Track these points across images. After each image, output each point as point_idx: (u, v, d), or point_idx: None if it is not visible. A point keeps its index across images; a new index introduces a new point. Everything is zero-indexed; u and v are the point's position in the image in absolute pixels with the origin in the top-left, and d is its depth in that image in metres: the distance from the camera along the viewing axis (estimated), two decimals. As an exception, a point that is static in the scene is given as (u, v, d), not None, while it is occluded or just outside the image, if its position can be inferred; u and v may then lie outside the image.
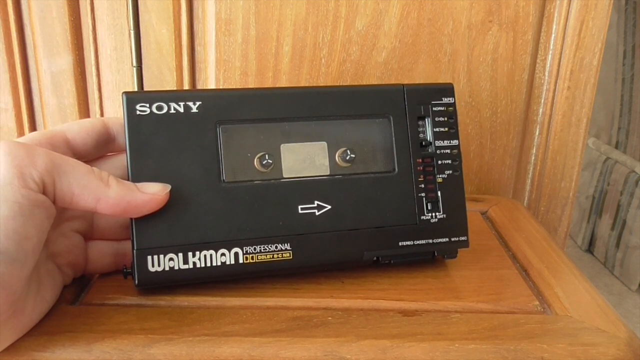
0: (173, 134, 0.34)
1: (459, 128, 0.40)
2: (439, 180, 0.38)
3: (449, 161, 0.39)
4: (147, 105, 0.34)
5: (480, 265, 0.40)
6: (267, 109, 0.36)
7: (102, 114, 0.55)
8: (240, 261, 0.35)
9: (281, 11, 0.52)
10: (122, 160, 0.36)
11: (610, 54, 1.42)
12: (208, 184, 0.34)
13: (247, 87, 0.54)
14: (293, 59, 0.53)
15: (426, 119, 0.39)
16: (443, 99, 0.39)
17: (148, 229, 0.33)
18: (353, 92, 0.38)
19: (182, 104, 0.35)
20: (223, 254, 0.34)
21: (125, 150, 0.34)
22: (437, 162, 0.38)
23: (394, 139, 0.38)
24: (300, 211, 0.36)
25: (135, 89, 0.54)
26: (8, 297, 0.27)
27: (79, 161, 0.31)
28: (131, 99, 0.34)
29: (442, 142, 0.39)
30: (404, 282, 0.37)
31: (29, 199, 0.28)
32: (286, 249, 0.35)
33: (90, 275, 0.37)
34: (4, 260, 0.27)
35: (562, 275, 0.38)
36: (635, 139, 1.40)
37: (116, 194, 0.31)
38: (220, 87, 0.54)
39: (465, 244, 0.39)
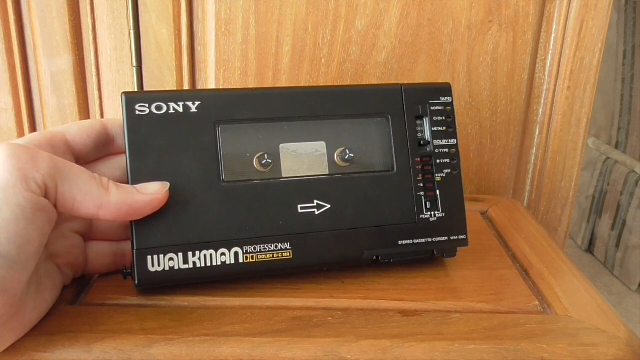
0: (172, 134, 0.34)
1: (459, 128, 0.40)
2: (438, 179, 0.38)
3: (448, 160, 0.39)
4: (147, 105, 0.34)
5: (480, 265, 0.40)
6: (266, 109, 0.36)
7: (102, 114, 0.55)
8: (240, 261, 0.35)
9: (281, 11, 0.52)
10: (121, 162, 0.36)
11: (610, 54, 1.42)
12: (208, 183, 0.34)
13: (246, 87, 0.54)
14: (293, 59, 0.53)
15: (424, 119, 0.39)
16: (441, 98, 0.39)
17: (148, 229, 0.33)
18: (352, 92, 0.38)
19: (181, 104, 0.35)
20: (223, 254, 0.34)
21: (125, 151, 0.34)
22: (435, 161, 0.38)
23: (392, 138, 0.38)
24: (299, 210, 0.36)
25: (135, 89, 0.54)
26: (8, 300, 0.27)
27: (81, 167, 0.31)
28: (130, 99, 0.34)
29: (440, 141, 0.39)
30: (404, 282, 0.37)
31: (31, 203, 0.28)
32: (286, 249, 0.35)
33: (90, 275, 0.37)
34: (5, 264, 0.26)
35: (562, 275, 0.38)
36: (635, 139, 1.40)
37: (117, 199, 0.31)
38: (220, 87, 0.54)
39: (464, 242, 0.39)
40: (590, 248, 1.54)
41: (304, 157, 0.37)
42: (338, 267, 0.38)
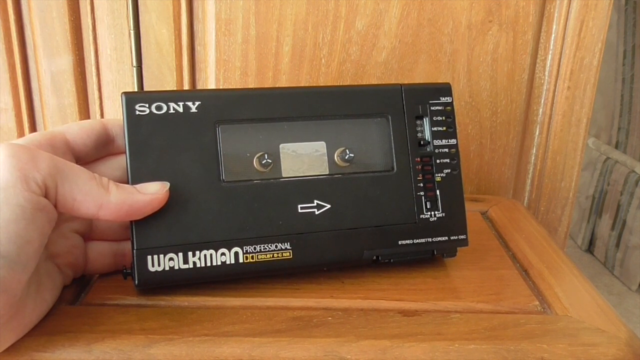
0: (172, 134, 0.34)
1: (459, 128, 0.40)
2: (438, 179, 0.38)
3: (447, 160, 0.39)
4: (147, 105, 0.34)
5: (480, 265, 0.40)
6: (266, 108, 0.36)
7: (102, 114, 0.55)
8: (240, 261, 0.35)
9: (281, 11, 0.52)
10: (121, 162, 0.36)
11: (610, 54, 1.42)
12: (208, 183, 0.34)
13: (246, 87, 0.54)
14: (293, 59, 0.53)
15: (424, 119, 0.39)
16: (441, 98, 0.39)
17: (148, 229, 0.33)
18: (352, 92, 0.38)
19: (181, 104, 0.35)
20: (223, 254, 0.34)
21: (125, 151, 0.34)
22: (435, 161, 0.38)
23: (392, 138, 0.38)
24: (299, 210, 0.36)
25: (135, 89, 0.54)
26: (8, 300, 0.27)
27: (81, 167, 0.31)
28: (130, 99, 0.34)
29: (440, 141, 0.39)
30: (404, 282, 0.37)
31: (31, 203, 0.28)
32: (286, 249, 0.35)
33: (90, 275, 0.37)
34: (5, 264, 0.26)
35: (562, 275, 0.38)
36: (635, 139, 1.40)
37: (117, 199, 0.31)
38: (220, 87, 0.54)
39: (464, 242, 0.39)
40: (590, 248, 1.54)
41: (304, 157, 0.37)
42: (338, 267, 0.38)
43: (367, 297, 0.35)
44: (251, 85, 0.54)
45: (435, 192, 0.38)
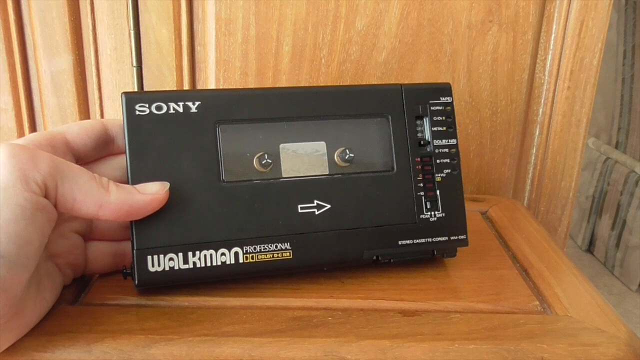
0: (172, 134, 0.34)
1: (459, 128, 0.40)
2: (438, 179, 0.38)
3: (447, 160, 0.39)
4: (147, 105, 0.34)
5: (480, 265, 0.40)
6: (266, 108, 0.36)
7: (102, 114, 0.55)
8: (240, 261, 0.35)
9: (281, 11, 0.52)
10: (121, 162, 0.36)
11: (610, 54, 1.42)
12: (208, 183, 0.34)
13: (246, 87, 0.54)
14: (293, 59, 0.53)
15: (424, 119, 0.39)
16: (441, 98, 0.39)
17: (148, 229, 0.33)
18: (352, 92, 0.38)
19: (181, 104, 0.35)
20: (223, 254, 0.34)
21: (125, 151, 0.34)
22: (435, 161, 0.38)
23: (392, 138, 0.38)
24: (299, 210, 0.36)
25: (135, 89, 0.54)
26: (8, 300, 0.27)
27: (81, 167, 0.31)
28: (130, 99, 0.34)
29: (440, 141, 0.39)
30: (404, 282, 0.37)
31: (31, 202, 0.28)
32: (286, 249, 0.35)
33: (90, 275, 0.37)
34: (5, 264, 0.26)
35: (562, 275, 0.38)
36: (635, 139, 1.40)
37: (117, 199, 0.31)
38: (220, 87, 0.54)
39: (464, 242, 0.39)
40: (590, 248, 1.54)
41: (304, 157, 0.37)
42: (338, 267, 0.38)
43: (367, 297, 0.35)
44: (251, 85, 0.54)
45: (435, 192, 0.38)
